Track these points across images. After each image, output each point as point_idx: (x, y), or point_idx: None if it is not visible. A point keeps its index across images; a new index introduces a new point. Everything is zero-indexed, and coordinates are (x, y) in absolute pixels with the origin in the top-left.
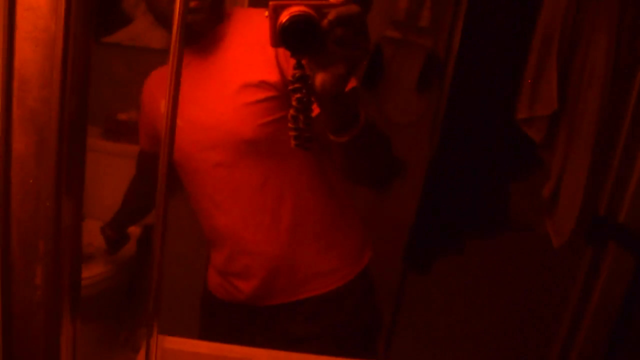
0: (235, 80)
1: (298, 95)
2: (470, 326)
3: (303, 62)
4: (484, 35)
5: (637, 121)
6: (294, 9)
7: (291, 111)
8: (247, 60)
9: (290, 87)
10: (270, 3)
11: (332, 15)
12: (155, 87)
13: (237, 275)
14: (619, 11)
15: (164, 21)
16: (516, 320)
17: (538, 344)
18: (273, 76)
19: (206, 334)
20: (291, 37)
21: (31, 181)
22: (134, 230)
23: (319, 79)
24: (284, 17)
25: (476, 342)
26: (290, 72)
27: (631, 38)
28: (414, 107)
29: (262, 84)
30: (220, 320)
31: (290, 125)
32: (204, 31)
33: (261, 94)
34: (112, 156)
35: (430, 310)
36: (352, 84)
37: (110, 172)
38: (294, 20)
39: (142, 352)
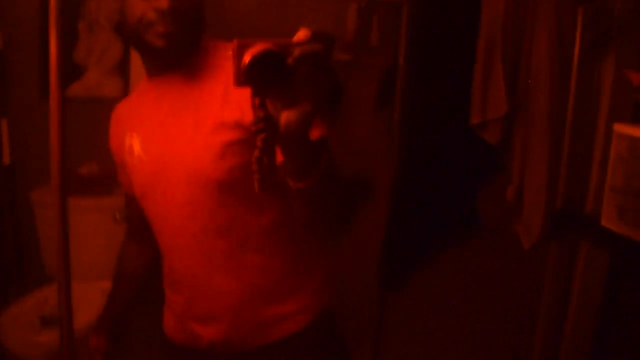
0: (209, 118)
1: (262, 135)
2: (454, 334)
3: (266, 101)
4: (429, 47)
5: (582, 116)
6: (258, 47)
7: (256, 152)
8: (223, 97)
9: (254, 128)
10: (234, 41)
11: (296, 52)
12: (120, 120)
13: (197, 320)
14: (556, 10)
15: (140, 46)
16: (498, 324)
17: (522, 346)
18: (248, 117)
19: None
20: (255, 75)
21: None
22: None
23: (284, 117)
24: (248, 56)
25: (461, 349)
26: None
27: (572, 33)
28: (375, 125)
29: (237, 125)
30: None
31: (254, 167)
32: (179, 60)
33: (235, 135)
34: (81, 211)
35: (412, 325)
36: (321, 132)
37: (81, 229)
38: (258, 58)
39: None
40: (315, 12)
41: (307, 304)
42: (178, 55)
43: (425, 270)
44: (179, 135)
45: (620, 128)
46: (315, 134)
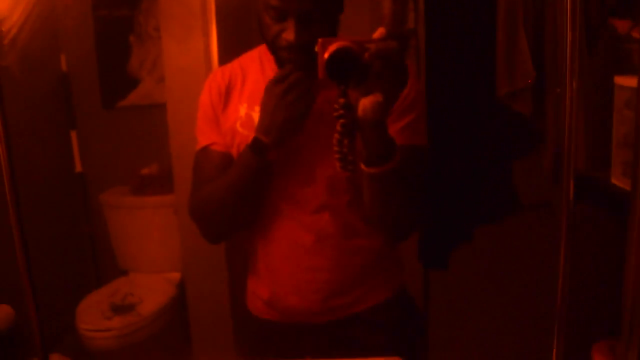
0: None
1: (342, 120)
2: (499, 309)
3: (347, 91)
4: (450, 18)
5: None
6: (338, 44)
7: (336, 135)
8: None
9: (335, 114)
10: (319, 40)
11: (372, 49)
12: (233, 88)
13: (293, 295)
14: None
15: (272, 48)
16: (539, 297)
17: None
18: None
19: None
20: (334, 68)
21: None
22: (174, 277)
23: (361, 105)
24: (328, 52)
25: (506, 324)
26: None
27: None
28: None
29: None
30: (277, 340)
31: (335, 148)
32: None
33: None
34: (142, 209)
35: (457, 303)
36: (420, 141)
37: (143, 225)
38: (337, 54)
39: None
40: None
41: (392, 277)
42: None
43: (466, 247)
44: (318, 122)
45: (621, 80)
46: (415, 140)
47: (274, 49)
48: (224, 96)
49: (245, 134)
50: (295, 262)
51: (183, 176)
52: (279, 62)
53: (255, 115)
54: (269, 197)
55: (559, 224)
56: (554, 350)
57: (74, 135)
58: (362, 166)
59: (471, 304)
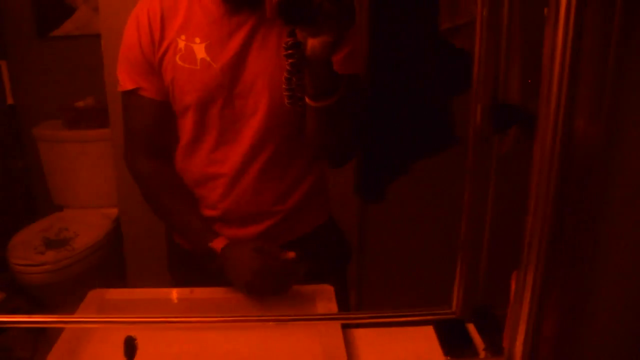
0: None
1: (291, 60)
2: (433, 242)
3: (296, 31)
4: None
5: None
6: None
7: (285, 74)
8: None
9: (284, 53)
10: None
11: None
12: (164, 20)
13: (235, 224)
14: None
15: None
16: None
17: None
18: None
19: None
20: (285, 9)
21: None
22: (111, 212)
23: (309, 45)
24: None
25: (442, 256)
26: None
27: None
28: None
29: None
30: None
31: (284, 86)
32: None
33: None
34: (77, 143)
35: (391, 236)
36: (358, 69)
37: (78, 160)
38: None
39: None
40: None
41: (323, 206)
42: None
43: (402, 179)
44: (261, 54)
45: None
46: (355, 69)
47: None
48: (158, 31)
49: (186, 67)
50: (240, 195)
51: (119, 110)
52: None
53: (196, 47)
54: (213, 127)
55: (490, 156)
56: (457, 277)
57: (4, 65)
58: (308, 100)
59: (405, 236)
